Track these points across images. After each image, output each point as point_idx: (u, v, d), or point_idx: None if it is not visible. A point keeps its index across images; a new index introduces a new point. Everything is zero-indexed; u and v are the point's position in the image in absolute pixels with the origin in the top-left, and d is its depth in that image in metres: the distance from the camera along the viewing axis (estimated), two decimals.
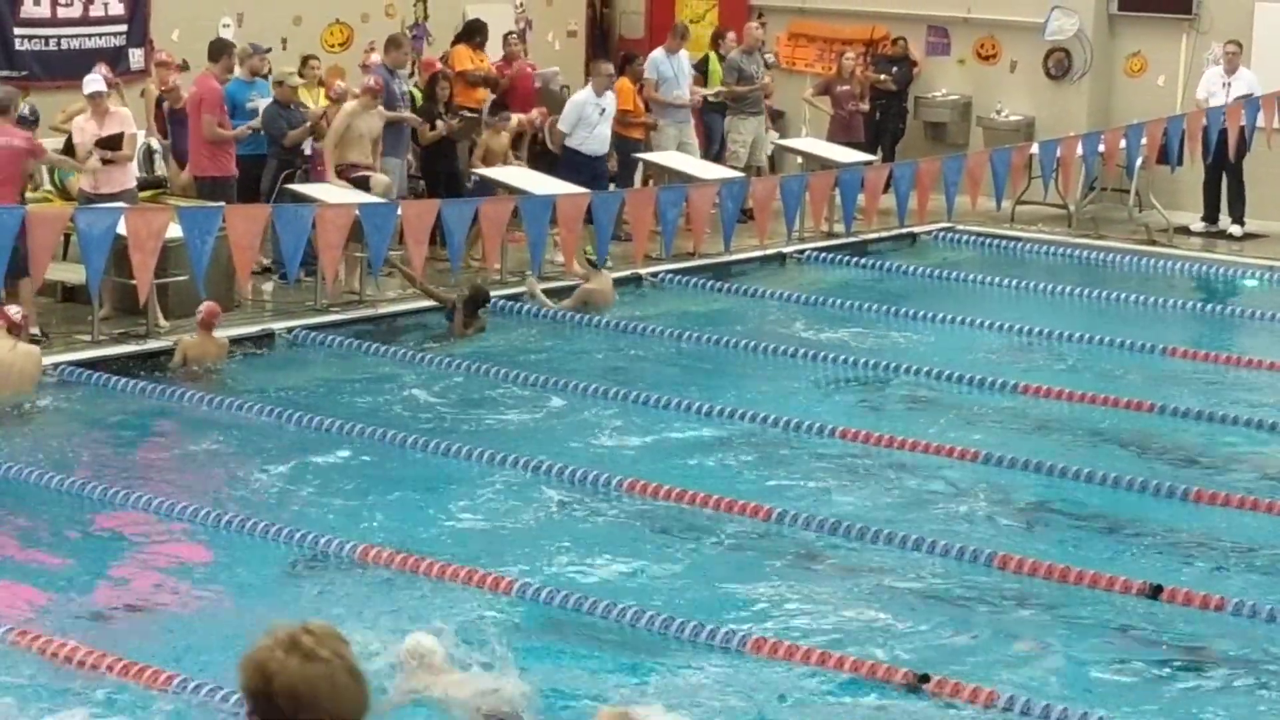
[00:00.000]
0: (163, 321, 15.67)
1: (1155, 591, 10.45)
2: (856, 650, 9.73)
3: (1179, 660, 9.95)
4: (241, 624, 10.02)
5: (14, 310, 14.15)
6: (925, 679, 9.28)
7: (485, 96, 20.58)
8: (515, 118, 19.85)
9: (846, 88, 22.54)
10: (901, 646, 9.91)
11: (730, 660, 9.61)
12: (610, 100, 19.88)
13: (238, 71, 18.33)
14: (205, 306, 14.97)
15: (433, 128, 18.85)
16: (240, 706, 8.64)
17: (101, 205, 15.63)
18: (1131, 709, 9.31)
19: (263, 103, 18.07)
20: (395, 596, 10.38)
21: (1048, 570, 10.73)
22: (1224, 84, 21.35)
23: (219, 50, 18.22)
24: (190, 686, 8.98)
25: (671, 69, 21.21)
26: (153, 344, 15.33)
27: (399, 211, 16.32)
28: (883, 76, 23.13)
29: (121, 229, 14.71)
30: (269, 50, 19.20)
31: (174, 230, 14.99)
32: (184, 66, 18.91)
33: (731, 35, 22.34)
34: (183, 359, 14.94)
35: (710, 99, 22.00)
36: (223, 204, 16.27)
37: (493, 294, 16.83)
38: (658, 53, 21.44)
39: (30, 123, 16.24)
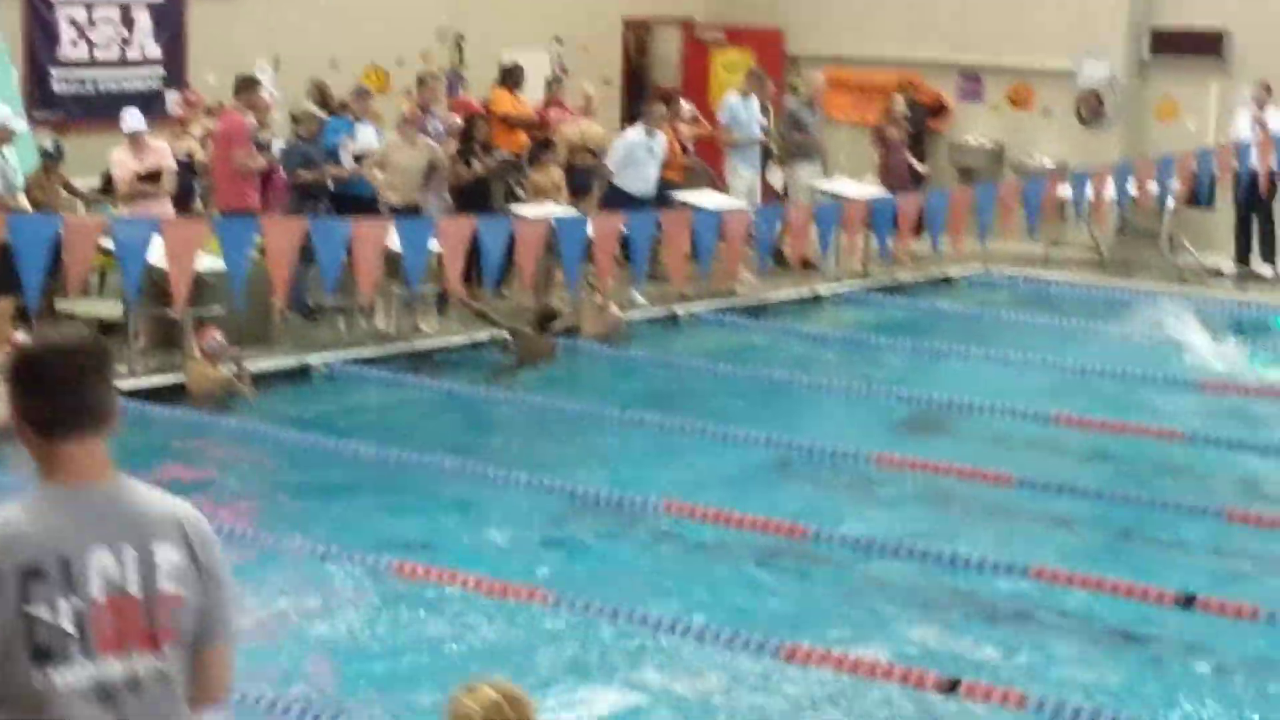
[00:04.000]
0: (197, 354, 15.75)
1: (1188, 601, 10.46)
2: (886, 657, 9.77)
3: (1211, 668, 9.96)
4: (288, 646, 10.12)
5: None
6: (955, 684, 9.30)
7: (525, 142, 20.65)
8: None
9: (895, 133, 22.67)
10: (933, 653, 9.96)
11: (765, 666, 9.64)
12: (660, 142, 19.92)
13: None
14: (202, 330, 14.97)
15: (469, 167, 18.98)
16: None
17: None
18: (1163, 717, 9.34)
19: (352, 144, 18.37)
20: (444, 619, 10.45)
21: (1082, 580, 10.76)
22: (1254, 124, 21.31)
23: (243, 86, 18.34)
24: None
25: (745, 113, 21.40)
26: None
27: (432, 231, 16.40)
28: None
29: (156, 260, 14.66)
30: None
31: (210, 263, 14.96)
32: (219, 107, 19.07)
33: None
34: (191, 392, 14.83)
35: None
36: (257, 214, 16.37)
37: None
38: (732, 95, 21.63)
39: (56, 158, 16.56)
